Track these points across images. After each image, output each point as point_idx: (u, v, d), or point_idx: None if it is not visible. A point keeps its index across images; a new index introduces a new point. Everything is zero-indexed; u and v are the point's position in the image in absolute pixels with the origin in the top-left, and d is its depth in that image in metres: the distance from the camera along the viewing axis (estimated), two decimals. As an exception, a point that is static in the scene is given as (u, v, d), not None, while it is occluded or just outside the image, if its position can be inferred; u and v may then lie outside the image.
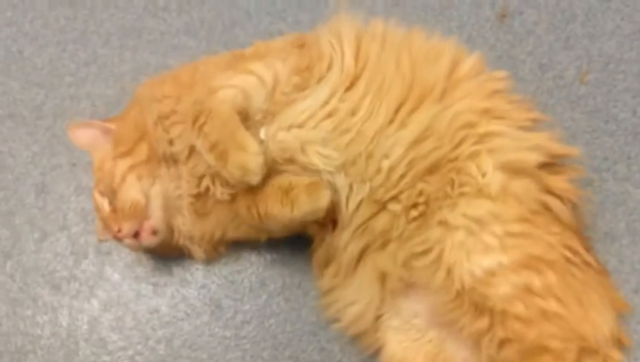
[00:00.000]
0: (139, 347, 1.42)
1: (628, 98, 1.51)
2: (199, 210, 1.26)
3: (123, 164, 1.23)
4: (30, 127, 1.55)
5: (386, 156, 1.14)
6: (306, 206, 1.15)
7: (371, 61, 1.18)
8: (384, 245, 1.20)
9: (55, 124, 1.55)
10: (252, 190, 1.17)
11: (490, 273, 1.07)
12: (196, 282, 1.44)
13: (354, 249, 1.21)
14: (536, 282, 1.06)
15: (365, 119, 1.15)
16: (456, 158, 1.13)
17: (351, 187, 1.17)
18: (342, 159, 1.15)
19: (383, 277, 1.21)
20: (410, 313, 1.23)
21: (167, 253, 1.37)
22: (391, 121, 1.15)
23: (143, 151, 1.23)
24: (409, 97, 1.15)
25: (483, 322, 1.10)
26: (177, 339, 1.42)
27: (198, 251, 1.33)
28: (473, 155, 1.12)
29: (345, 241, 1.21)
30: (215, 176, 1.21)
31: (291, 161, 1.17)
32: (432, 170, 1.14)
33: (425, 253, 1.14)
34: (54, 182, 1.51)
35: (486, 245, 1.08)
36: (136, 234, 1.22)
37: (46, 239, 1.47)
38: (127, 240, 1.23)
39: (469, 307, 1.11)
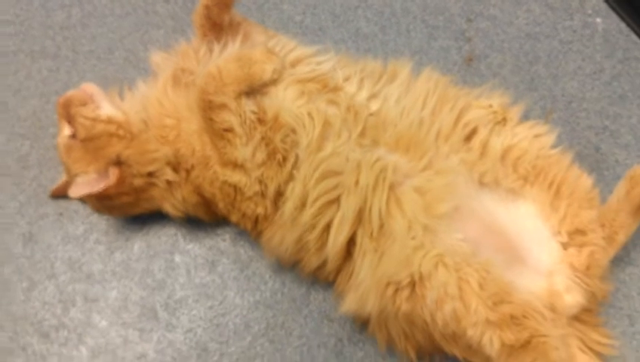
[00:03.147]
0: (128, 392, 1.46)
1: (591, 135, 1.59)
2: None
3: None
4: (16, 178, 1.59)
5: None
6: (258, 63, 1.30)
7: None
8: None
9: (41, 174, 1.59)
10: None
11: None
12: (182, 326, 1.48)
13: (382, 196, 1.27)
14: None
15: None
16: None
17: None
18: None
19: (428, 204, 1.26)
20: (455, 237, 1.25)
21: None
22: None
23: None
24: None
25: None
26: (165, 383, 1.46)
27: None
28: None
29: (366, 195, 1.28)
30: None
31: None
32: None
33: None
34: (41, 232, 1.55)
35: None
36: None
37: (34, 288, 1.51)
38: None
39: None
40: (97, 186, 1.35)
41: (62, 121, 1.43)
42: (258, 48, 1.33)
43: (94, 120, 1.37)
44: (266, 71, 1.30)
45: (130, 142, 1.36)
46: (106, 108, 1.40)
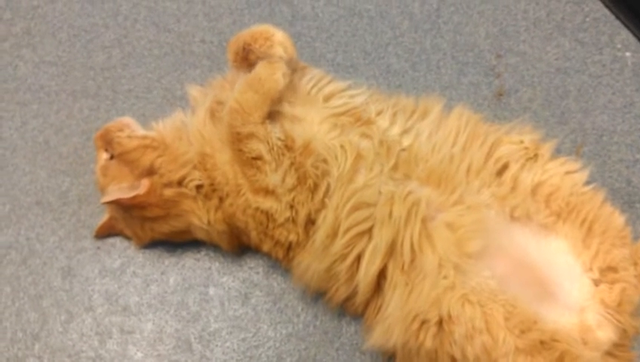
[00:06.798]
0: (162, 424, 1.47)
1: (622, 168, 1.59)
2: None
3: None
4: (56, 213, 1.64)
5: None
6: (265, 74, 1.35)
7: None
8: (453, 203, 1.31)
9: (80, 209, 1.64)
10: None
11: None
12: (216, 358, 1.49)
13: (414, 229, 1.28)
14: None
15: None
16: None
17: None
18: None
19: (459, 241, 1.26)
20: (484, 275, 1.25)
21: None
22: None
23: None
24: None
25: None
26: (199, 415, 1.47)
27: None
28: None
29: (402, 230, 1.29)
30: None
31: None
32: None
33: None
34: (80, 265, 1.59)
35: None
36: None
37: (72, 320, 1.54)
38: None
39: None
40: (128, 193, 1.40)
41: (99, 151, 1.50)
42: (259, 66, 1.37)
43: (130, 137, 1.45)
44: (278, 80, 1.35)
45: (164, 151, 1.42)
46: (141, 131, 1.49)
